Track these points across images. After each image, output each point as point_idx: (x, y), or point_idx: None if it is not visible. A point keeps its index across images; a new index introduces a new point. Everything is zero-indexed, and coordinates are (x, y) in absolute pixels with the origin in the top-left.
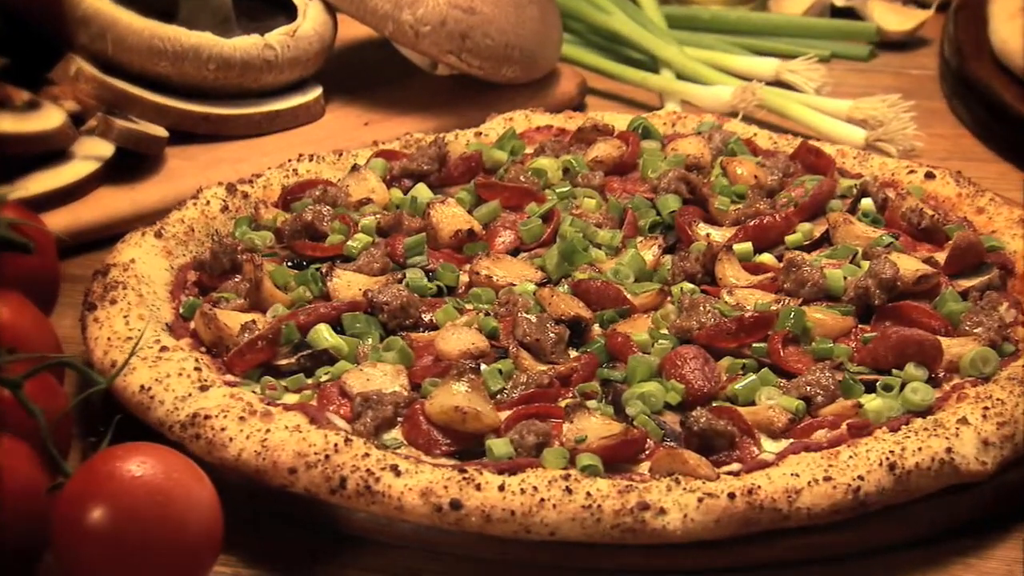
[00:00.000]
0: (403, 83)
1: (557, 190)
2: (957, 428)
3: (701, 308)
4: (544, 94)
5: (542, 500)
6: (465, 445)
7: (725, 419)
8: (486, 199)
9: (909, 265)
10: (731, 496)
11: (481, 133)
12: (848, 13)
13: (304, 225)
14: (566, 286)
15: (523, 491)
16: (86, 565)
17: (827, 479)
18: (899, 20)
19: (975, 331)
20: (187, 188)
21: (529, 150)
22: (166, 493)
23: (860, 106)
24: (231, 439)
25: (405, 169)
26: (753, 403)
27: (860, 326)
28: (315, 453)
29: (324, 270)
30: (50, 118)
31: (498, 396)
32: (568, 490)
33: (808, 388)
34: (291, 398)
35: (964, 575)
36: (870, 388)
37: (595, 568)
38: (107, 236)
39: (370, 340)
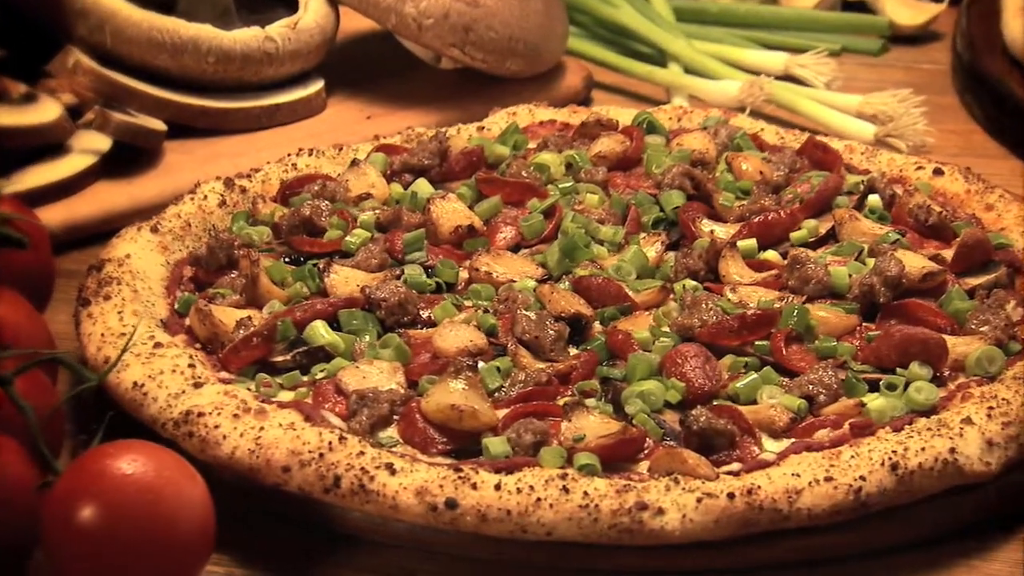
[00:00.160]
0: (406, 77)
1: (560, 185)
2: (961, 428)
3: (703, 305)
4: (549, 88)
5: (539, 500)
6: (462, 444)
7: (725, 418)
8: (487, 194)
9: (915, 262)
10: (730, 496)
11: (484, 127)
12: (859, 7)
13: (302, 220)
14: (567, 283)
15: (519, 490)
16: (76, 563)
17: (828, 479)
18: (911, 14)
19: (981, 330)
20: (185, 183)
21: (532, 145)
22: (157, 491)
23: (870, 101)
24: (224, 437)
25: (406, 164)
26: (755, 402)
27: (865, 324)
28: (309, 451)
29: (321, 266)
30: (47, 111)
31: (496, 394)
32: (565, 489)
33: (810, 387)
34: (286, 395)
35: None
36: (874, 387)
37: (592, 569)
38: (104, 231)
39: (367, 337)
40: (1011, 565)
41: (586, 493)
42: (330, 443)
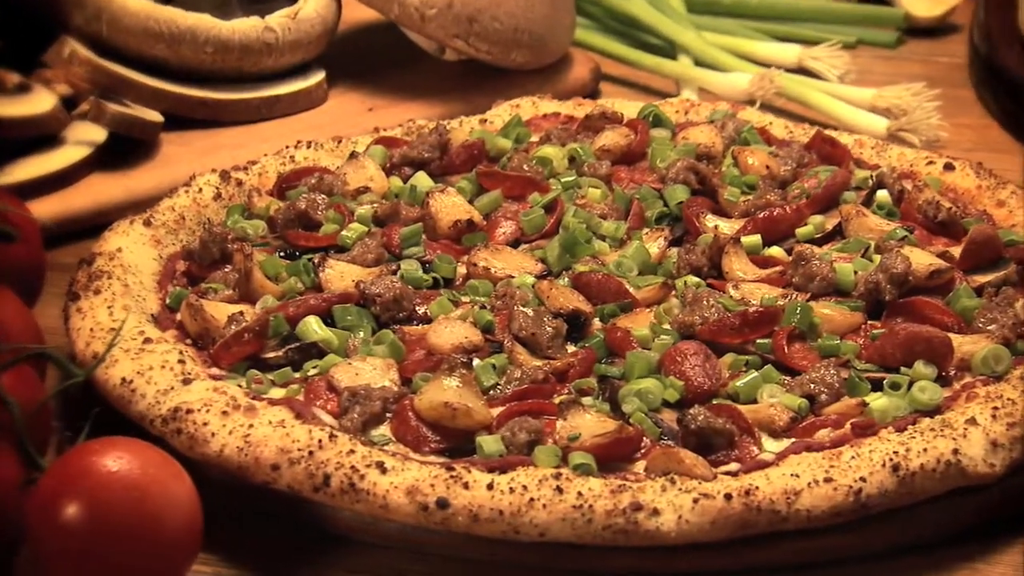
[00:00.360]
0: (409, 68)
1: (562, 180)
2: (965, 429)
3: (705, 302)
4: (556, 80)
5: (532, 500)
6: (455, 442)
7: (724, 417)
8: (488, 188)
9: (922, 259)
10: (727, 497)
11: (486, 120)
12: None
13: (297, 214)
14: (566, 279)
15: (512, 490)
16: (61, 561)
17: (828, 480)
18: (928, 5)
19: (988, 328)
20: (182, 175)
21: (535, 138)
22: (142, 489)
23: (884, 94)
24: (213, 434)
25: (405, 157)
26: (755, 401)
27: (870, 322)
28: (298, 449)
29: (316, 260)
30: (41, 102)
31: (491, 392)
32: (559, 489)
33: (812, 386)
34: (277, 392)
35: None
36: (877, 387)
37: (586, 570)
38: (99, 224)
39: (361, 333)
40: (1015, 568)
41: (580, 493)
42: (320, 441)
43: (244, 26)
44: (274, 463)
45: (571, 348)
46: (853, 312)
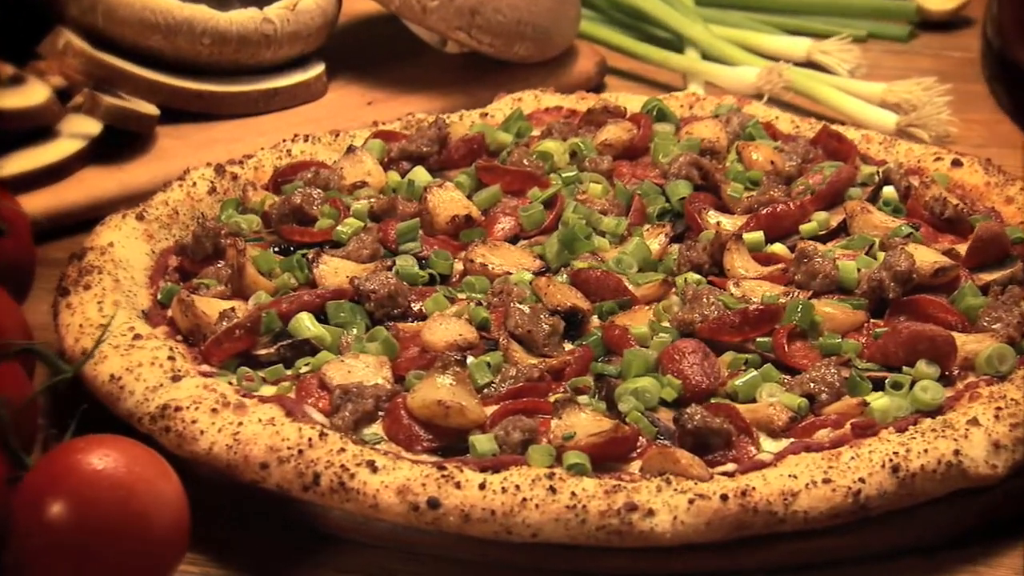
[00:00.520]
0: (410, 61)
1: (563, 175)
2: (967, 429)
3: (704, 300)
4: (560, 73)
5: (524, 500)
6: (448, 441)
7: (721, 417)
8: (487, 183)
9: (926, 257)
10: (723, 498)
11: (487, 114)
12: None
13: (292, 209)
14: (565, 276)
15: (504, 490)
16: (46, 560)
17: (826, 481)
18: None
19: (993, 327)
20: (177, 169)
21: (536, 132)
22: (128, 487)
23: (894, 89)
24: (202, 432)
25: (403, 151)
26: (754, 400)
27: (873, 320)
28: (288, 448)
29: (310, 256)
30: (34, 94)
31: (485, 390)
32: (552, 489)
33: (812, 385)
34: (268, 390)
35: None
36: (879, 386)
37: (580, 571)
38: (92, 218)
39: (355, 330)
40: (1016, 571)
41: (574, 493)
42: (310, 439)
43: (242, 17)
44: (263, 461)
45: (568, 346)
46: (856, 310)
